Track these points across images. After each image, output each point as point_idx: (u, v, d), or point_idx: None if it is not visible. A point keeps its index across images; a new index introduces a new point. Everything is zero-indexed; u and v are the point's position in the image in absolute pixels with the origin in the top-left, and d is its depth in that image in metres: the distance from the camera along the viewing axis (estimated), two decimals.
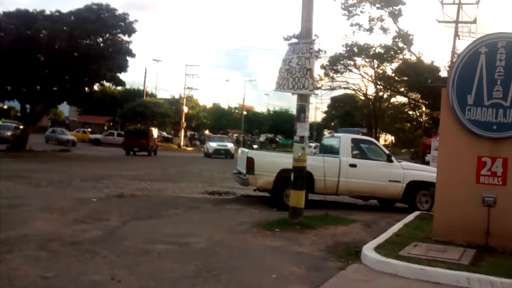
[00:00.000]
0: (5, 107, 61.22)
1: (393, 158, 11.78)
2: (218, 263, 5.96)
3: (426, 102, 39.21)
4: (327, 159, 10.96)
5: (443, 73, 33.03)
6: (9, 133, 33.13)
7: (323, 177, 10.41)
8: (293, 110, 10.26)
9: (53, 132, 44.33)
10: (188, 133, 65.96)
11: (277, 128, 78.85)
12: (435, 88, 27.52)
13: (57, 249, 6.15)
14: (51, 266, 5.41)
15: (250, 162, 11.13)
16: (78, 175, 16.20)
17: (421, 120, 54.70)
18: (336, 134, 13.41)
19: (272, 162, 11.28)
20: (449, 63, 28.79)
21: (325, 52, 39.08)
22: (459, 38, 29.17)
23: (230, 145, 38.42)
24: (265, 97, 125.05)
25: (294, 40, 11.13)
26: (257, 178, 11.11)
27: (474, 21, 29.20)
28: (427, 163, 17.62)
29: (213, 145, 38.04)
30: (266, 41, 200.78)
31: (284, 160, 10.77)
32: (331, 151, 12.07)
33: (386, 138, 71.99)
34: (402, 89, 42.40)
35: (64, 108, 63.95)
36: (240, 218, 9.43)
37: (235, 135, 64.25)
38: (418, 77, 33.50)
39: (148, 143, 34.78)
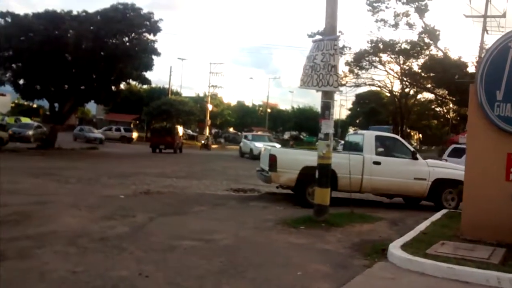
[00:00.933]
0: (35, 106, 62.66)
1: (418, 156, 11.63)
2: (243, 259, 5.99)
3: (454, 99, 38.55)
4: (351, 156, 10.88)
5: (471, 69, 32.43)
6: (30, 132, 33.19)
7: (347, 174, 10.32)
8: (318, 107, 10.19)
9: (81, 130, 45.02)
10: (213, 131, 66.30)
11: (301, 126, 78.56)
12: (463, 84, 27.00)
13: (86, 245, 6.28)
14: (80, 261, 5.52)
15: (272, 159, 11.12)
16: (105, 172, 16.47)
17: (449, 117, 53.84)
18: (359, 131, 13.29)
19: (295, 159, 11.24)
20: (477, 58, 28.19)
21: (349, 48, 38.85)
22: (487, 33, 28.47)
23: (278, 146, 27.43)
24: (289, 94, 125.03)
25: (318, 37, 11.07)
26: (279, 175, 11.09)
27: (503, 15, 28.46)
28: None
29: (259, 145, 30.01)
30: (290, 39, 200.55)
31: (306, 157, 10.73)
32: (355, 148, 11.97)
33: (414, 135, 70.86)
34: (429, 86, 41.78)
35: (92, 107, 64.97)
36: (264, 215, 9.46)
37: (259, 132, 64.34)
38: (445, 73, 32.95)
39: (174, 141, 35.11)
